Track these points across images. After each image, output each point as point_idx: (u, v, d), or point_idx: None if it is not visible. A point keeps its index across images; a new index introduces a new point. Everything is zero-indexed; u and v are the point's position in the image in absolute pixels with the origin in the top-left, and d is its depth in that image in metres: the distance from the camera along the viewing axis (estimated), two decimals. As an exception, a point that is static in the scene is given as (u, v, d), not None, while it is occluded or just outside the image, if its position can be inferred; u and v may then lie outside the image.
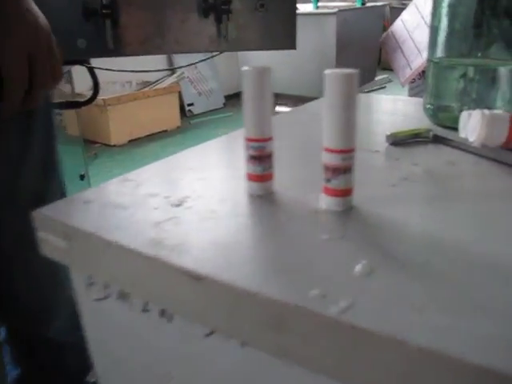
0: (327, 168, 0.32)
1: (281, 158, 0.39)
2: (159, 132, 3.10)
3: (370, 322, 0.22)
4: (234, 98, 3.82)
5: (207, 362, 0.32)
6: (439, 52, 0.56)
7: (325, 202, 0.34)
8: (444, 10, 0.55)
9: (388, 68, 2.11)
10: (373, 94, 0.76)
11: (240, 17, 1.10)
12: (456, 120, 0.52)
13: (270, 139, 0.35)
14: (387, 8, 2.43)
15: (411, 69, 1.93)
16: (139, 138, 2.98)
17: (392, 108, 0.68)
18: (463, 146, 0.47)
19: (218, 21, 1.07)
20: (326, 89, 0.31)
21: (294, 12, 1.07)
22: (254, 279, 0.26)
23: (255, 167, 0.35)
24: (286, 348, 0.25)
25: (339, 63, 2.23)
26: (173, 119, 3.23)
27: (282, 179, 0.39)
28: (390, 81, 3.67)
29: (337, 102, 0.31)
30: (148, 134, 3.04)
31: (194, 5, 1.01)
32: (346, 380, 0.23)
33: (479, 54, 0.53)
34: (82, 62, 1.16)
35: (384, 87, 3.74)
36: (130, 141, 2.93)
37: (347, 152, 0.32)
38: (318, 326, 0.23)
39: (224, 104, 3.80)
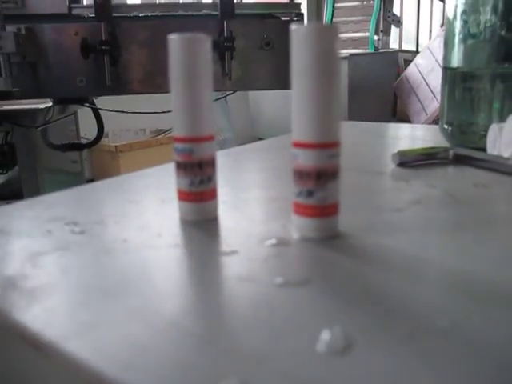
0: (307, 173, 0.21)
1: (249, 177, 0.28)
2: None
3: None
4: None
5: None
6: (456, 60, 0.46)
7: (299, 226, 0.22)
8: (460, 11, 0.45)
9: (405, 119, 2.02)
10: (371, 123, 0.65)
11: (245, 55, 1.04)
12: (481, 138, 0.41)
13: (204, 140, 0.24)
14: (400, 58, 2.37)
15: (427, 114, 1.84)
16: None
17: (397, 133, 0.57)
18: (495, 166, 0.35)
19: (221, 58, 1.00)
20: (294, 51, 0.20)
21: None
22: (136, 357, 0.14)
23: (182, 179, 0.24)
24: None
25: (351, 109, 2.16)
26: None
27: (242, 204, 0.28)
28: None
29: (318, 66, 0.20)
30: (160, 181, 2.98)
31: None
32: None
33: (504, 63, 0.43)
34: (84, 101, 1.10)
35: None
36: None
37: (336, 146, 0.21)
38: None
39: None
